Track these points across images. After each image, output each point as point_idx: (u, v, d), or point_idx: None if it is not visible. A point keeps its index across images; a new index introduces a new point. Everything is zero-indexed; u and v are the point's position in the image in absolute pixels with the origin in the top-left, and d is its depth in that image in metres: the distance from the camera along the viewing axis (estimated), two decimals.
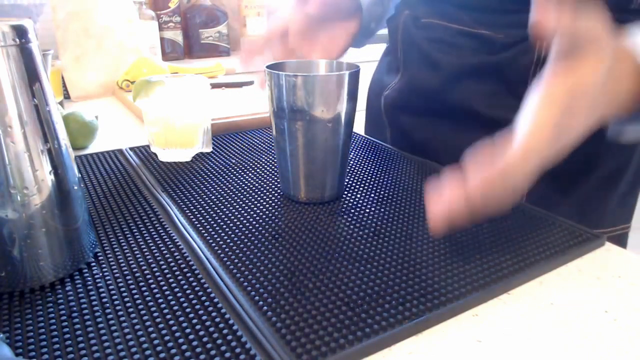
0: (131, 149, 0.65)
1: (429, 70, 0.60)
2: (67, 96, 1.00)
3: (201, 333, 0.30)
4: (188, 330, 0.31)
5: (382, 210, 0.47)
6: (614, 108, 0.37)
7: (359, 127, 0.74)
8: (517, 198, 0.34)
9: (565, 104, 0.33)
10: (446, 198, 0.32)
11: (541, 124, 0.32)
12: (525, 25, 0.51)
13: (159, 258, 0.39)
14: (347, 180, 0.54)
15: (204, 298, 0.34)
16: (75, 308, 0.33)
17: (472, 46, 0.56)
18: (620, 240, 0.61)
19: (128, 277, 0.36)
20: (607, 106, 0.37)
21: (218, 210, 0.47)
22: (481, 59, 0.55)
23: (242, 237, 0.42)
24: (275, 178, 0.55)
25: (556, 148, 0.34)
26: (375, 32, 0.74)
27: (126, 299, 0.34)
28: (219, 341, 0.30)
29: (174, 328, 0.31)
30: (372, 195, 0.50)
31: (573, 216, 0.39)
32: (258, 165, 0.58)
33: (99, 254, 0.39)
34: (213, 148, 0.65)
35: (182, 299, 0.34)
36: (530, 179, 0.33)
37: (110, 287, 0.35)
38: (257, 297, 0.34)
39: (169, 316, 0.32)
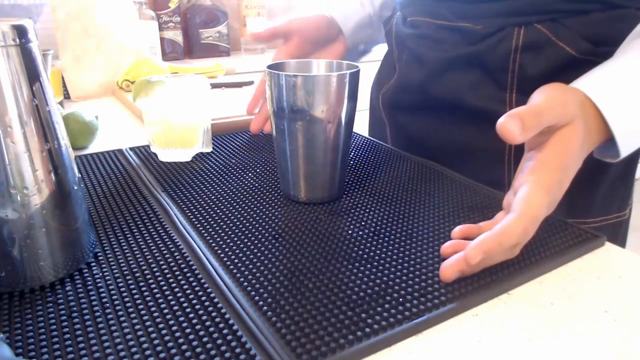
0: (131, 149, 0.65)
1: (417, 66, 0.63)
2: (67, 96, 1.00)
3: (201, 333, 0.30)
4: (188, 330, 0.31)
5: (382, 210, 0.47)
6: (592, 147, 0.42)
7: (362, 127, 0.74)
8: (516, 253, 0.38)
9: (557, 180, 0.37)
10: (453, 261, 0.35)
11: (537, 204, 0.36)
12: (502, 14, 0.54)
13: (159, 258, 0.39)
14: (347, 180, 0.54)
15: (204, 298, 0.34)
16: (75, 308, 0.33)
17: (454, 39, 0.58)
18: (616, 230, 0.60)
19: (128, 277, 0.36)
20: (589, 149, 0.41)
21: (218, 210, 0.47)
22: (462, 51, 0.57)
23: (242, 237, 0.42)
24: (275, 178, 0.55)
25: (552, 206, 0.38)
26: (369, 51, 0.79)
27: (126, 299, 0.34)
28: (219, 341, 0.30)
29: (174, 328, 0.31)
30: (372, 195, 0.50)
31: (562, 206, 0.40)
32: (258, 165, 0.58)
33: (99, 254, 0.39)
34: (213, 148, 0.65)
35: (182, 299, 0.34)
36: (528, 237, 0.37)
37: (110, 287, 0.35)
38: (257, 297, 0.34)
39: (169, 316, 0.32)
